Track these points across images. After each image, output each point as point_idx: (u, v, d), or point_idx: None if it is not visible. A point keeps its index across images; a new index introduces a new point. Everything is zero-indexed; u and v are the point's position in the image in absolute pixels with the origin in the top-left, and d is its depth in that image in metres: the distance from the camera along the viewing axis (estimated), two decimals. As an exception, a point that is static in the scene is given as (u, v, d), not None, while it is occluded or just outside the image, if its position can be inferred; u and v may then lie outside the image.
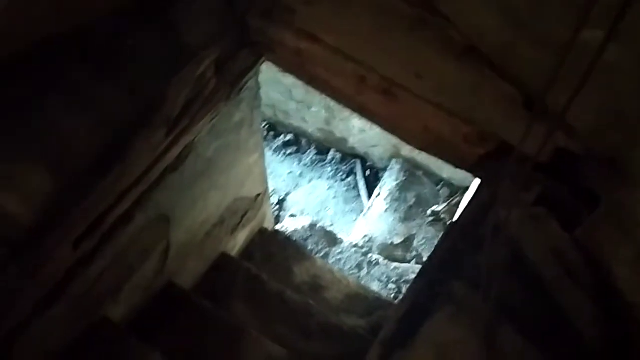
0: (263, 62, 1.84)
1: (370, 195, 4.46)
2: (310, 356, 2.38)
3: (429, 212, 4.20)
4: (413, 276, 3.67)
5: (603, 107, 1.26)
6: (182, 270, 2.41)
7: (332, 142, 4.71)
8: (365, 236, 4.01)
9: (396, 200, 4.20)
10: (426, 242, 4.07)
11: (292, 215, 4.29)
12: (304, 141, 4.82)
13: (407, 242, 4.09)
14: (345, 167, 4.69)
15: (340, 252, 3.78)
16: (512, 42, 1.29)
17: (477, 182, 3.30)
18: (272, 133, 4.82)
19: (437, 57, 1.40)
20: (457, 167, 1.67)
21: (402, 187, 4.25)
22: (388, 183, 4.30)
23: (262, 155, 2.65)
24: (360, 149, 4.63)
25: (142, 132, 1.40)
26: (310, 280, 3.08)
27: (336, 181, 4.63)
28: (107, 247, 1.59)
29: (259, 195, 2.89)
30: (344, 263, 3.74)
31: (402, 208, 4.19)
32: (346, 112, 4.28)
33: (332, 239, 3.85)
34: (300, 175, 4.66)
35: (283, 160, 4.73)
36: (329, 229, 4.01)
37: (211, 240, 2.55)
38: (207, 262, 2.71)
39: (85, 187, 1.34)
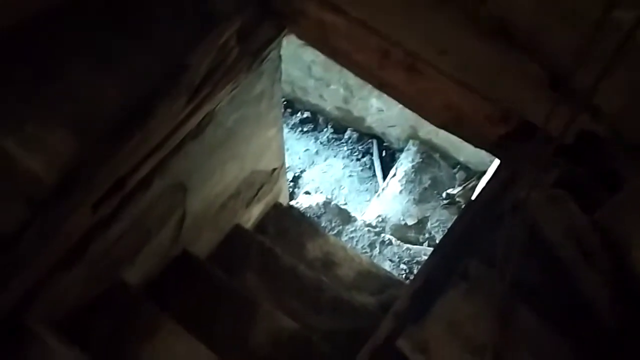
0: (286, 33, 1.83)
1: (385, 175, 4.45)
2: (321, 330, 2.40)
3: (443, 194, 4.19)
4: (425, 258, 3.68)
5: (631, 89, 1.24)
6: (196, 239, 2.44)
7: (350, 121, 4.69)
8: (379, 216, 4.01)
9: (411, 181, 4.19)
10: (440, 224, 4.06)
11: (306, 192, 4.30)
12: (321, 119, 4.81)
13: (421, 224, 4.09)
14: (361, 146, 4.68)
15: (354, 231, 3.79)
16: (541, 20, 1.27)
17: (494, 165, 3.28)
18: (289, 110, 4.81)
19: (463, 33, 1.38)
20: (476, 146, 1.65)
21: (418, 169, 4.24)
22: (404, 164, 4.29)
23: (281, 130, 2.65)
24: (378, 128, 4.61)
25: (165, 98, 1.41)
26: (323, 256, 3.10)
27: (352, 160, 4.62)
28: (126, 212, 1.61)
29: (275, 169, 2.90)
30: (357, 242, 3.75)
31: (417, 190, 4.18)
32: (365, 91, 4.26)
33: (345, 217, 3.86)
34: (316, 153, 4.66)
35: (299, 138, 4.73)
36: (342, 207, 4.01)
37: (226, 212, 2.57)
38: (222, 233, 2.74)
39: (107, 151, 1.36)
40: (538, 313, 1.20)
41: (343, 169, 4.56)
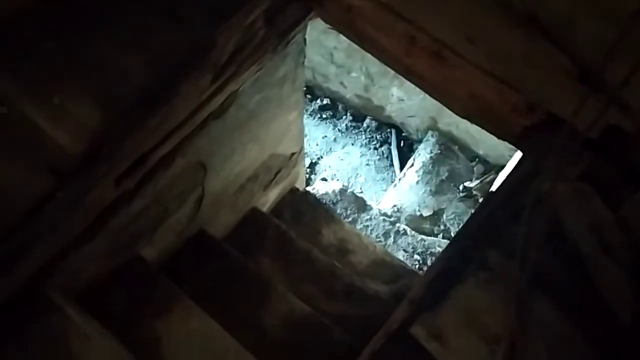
0: (312, 16, 1.82)
1: (402, 166, 4.43)
2: (333, 315, 2.41)
3: (460, 187, 4.17)
4: (439, 250, 3.67)
5: (663, 84, 1.22)
6: (213, 220, 2.46)
7: (369, 109, 4.67)
8: (395, 206, 4.00)
9: (429, 172, 4.17)
10: (455, 217, 4.04)
11: (323, 179, 4.30)
12: (340, 106, 4.79)
13: (436, 215, 4.08)
14: (379, 135, 4.66)
15: (369, 219, 3.79)
16: (574, 11, 1.25)
17: (514, 159, 3.25)
18: (309, 96, 4.80)
19: (493, 22, 1.36)
20: (500, 137, 1.64)
21: (436, 160, 4.21)
22: (422, 155, 4.26)
23: (301, 114, 2.65)
24: (397, 118, 4.59)
25: (191, 75, 1.41)
26: (338, 243, 3.10)
27: (369, 149, 4.60)
28: (147, 188, 1.63)
29: (293, 154, 2.90)
30: (372, 230, 3.75)
31: (434, 181, 4.16)
32: (386, 80, 4.23)
33: (361, 205, 3.86)
34: (334, 140, 4.65)
35: (318, 124, 4.72)
36: (359, 195, 4.01)
37: (244, 194, 2.59)
38: (239, 214, 2.75)
39: (132, 126, 1.37)
40: (556, 306, 1.20)
41: (360, 157, 4.55)
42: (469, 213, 3.94)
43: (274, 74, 2.00)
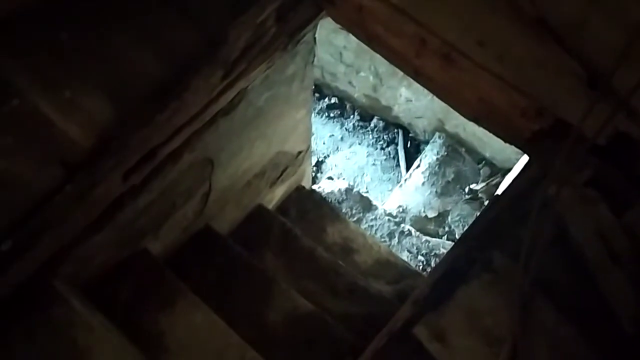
0: (323, 16, 1.83)
1: (409, 166, 4.44)
2: (336, 313, 2.42)
3: (466, 189, 4.17)
4: (443, 251, 3.68)
5: (672, 93, 1.22)
6: (219, 215, 2.47)
7: (377, 109, 4.67)
8: (400, 206, 4.01)
9: (435, 174, 4.18)
10: (460, 219, 4.05)
11: (329, 178, 4.31)
12: (348, 105, 4.80)
13: (441, 217, 4.08)
14: (386, 136, 4.66)
15: (374, 219, 3.79)
16: (585, 16, 1.25)
17: (521, 163, 3.25)
18: (317, 94, 4.81)
19: (503, 25, 1.36)
20: (507, 141, 1.64)
21: (442, 162, 4.22)
22: (429, 156, 4.27)
23: (309, 113, 2.66)
24: (405, 119, 4.59)
25: (202, 71, 1.42)
26: (342, 241, 3.11)
27: (376, 149, 4.61)
28: (155, 182, 1.64)
29: (300, 152, 2.91)
30: (376, 230, 3.76)
31: (440, 183, 4.16)
32: (394, 80, 4.23)
33: (366, 205, 3.86)
34: (341, 139, 4.66)
35: (325, 123, 4.73)
36: (364, 194, 4.02)
37: (250, 191, 2.60)
38: (244, 211, 2.77)
39: (142, 120, 1.38)
40: (559, 310, 1.20)
41: (367, 156, 4.56)
42: (474, 215, 3.94)
43: (283, 71, 2.01)
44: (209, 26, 1.47)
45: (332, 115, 4.76)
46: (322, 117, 4.74)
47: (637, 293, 1.17)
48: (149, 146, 1.49)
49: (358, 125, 4.72)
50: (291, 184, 3.18)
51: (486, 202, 4.04)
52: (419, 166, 4.26)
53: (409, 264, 3.29)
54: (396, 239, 3.75)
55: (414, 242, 3.74)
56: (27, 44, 1.41)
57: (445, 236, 4.00)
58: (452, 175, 4.20)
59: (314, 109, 4.71)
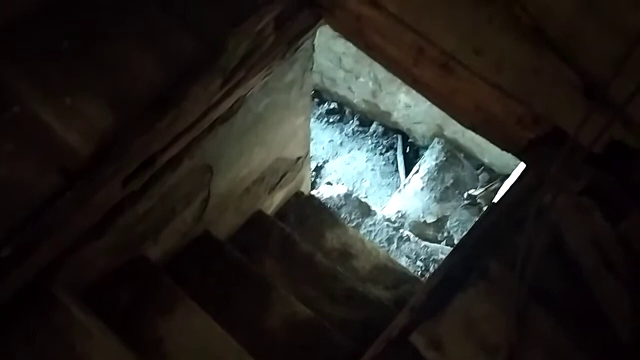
0: (321, 24, 1.84)
1: (408, 172, 4.45)
2: (334, 319, 2.43)
3: (465, 195, 4.18)
4: (442, 256, 3.68)
5: (667, 102, 1.24)
6: (218, 221, 2.48)
7: (376, 114, 4.69)
8: (399, 211, 4.02)
9: (434, 179, 4.19)
10: (459, 224, 4.05)
11: (328, 183, 4.32)
12: (347, 111, 4.81)
13: (440, 222, 4.08)
14: (386, 141, 4.67)
15: (373, 224, 3.80)
16: (581, 26, 1.27)
17: (519, 168, 3.26)
18: (316, 100, 4.82)
19: (500, 35, 1.38)
20: (504, 149, 1.65)
21: (441, 167, 4.23)
22: (427, 161, 4.28)
23: (308, 119, 2.67)
24: (404, 124, 4.60)
25: (201, 78, 1.43)
26: (341, 247, 3.12)
27: (375, 154, 4.62)
28: (154, 189, 1.65)
29: (299, 158, 2.92)
30: (375, 235, 3.76)
31: (439, 188, 4.17)
32: (393, 86, 4.25)
33: (365, 210, 3.87)
34: (341, 144, 4.67)
35: (325, 128, 4.74)
36: (363, 200, 4.03)
37: (250, 196, 2.61)
38: (243, 217, 2.78)
39: (142, 127, 1.39)
40: (555, 318, 1.21)
41: (366, 162, 4.57)
42: (473, 221, 3.95)
43: (281, 79, 2.02)
44: (209, 34, 1.48)
45: (331, 120, 4.77)
46: (321, 122, 4.76)
47: (633, 301, 1.17)
48: (149, 153, 1.50)
49: (357, 131, 4.73)
50: (290, 190, 3.19)
51: (485, 208, 4.05)
52: (417, 171, 4.27)
53: (408, 270, 3.29)
54: (395, 244, 3.76)
55: (413, 248, 3.75)
56: (27, 50, 1.41)
57: (444, 241, 4.01)
58: (451, 181, 4.21)
59: (314, 114, 4.73)
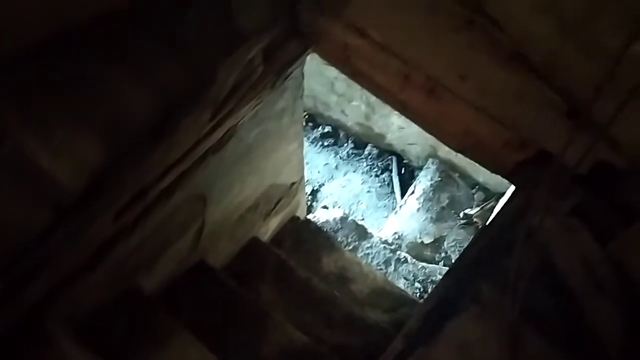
0: (309, 53, 1.87)
1: (403, 193, 4.46)
2: (332, 344, 2.41)
3: (461, 214, 4.18)
4: (440, 277, 3.67)
5: (649, 122, 1.25)
6: (213, 249, 2.48)
7: (370, 137, 4.72)
8: (396, 233, 4.02)
9: (429, 200, 4.20)
10: (456, 244, 4.05)
11: (324, 207, 4.32)
12: (341, 134, 4.84)
13: (437, 242, 4.08)
14: (380, 163, 4.70)
15: (370, 247, 3.80)
16: (561, 50, 1.29)
17: (512, 188, 3.27)
18: (310, 124, 4.86)
19: (483, 60, 1.40)
20: (493, 171, 1.67)
21: (437, 188, 4.24)
22: (423, 182, 4.29)
23: (301, 145, 2.69)
24: (398, 146, 4.63)
25: (191, 111, 1.45)
26: (338, 271, 3.11)
27: (371, 176, 4.64)
28: (147, 221, 1.65)
29: (294, 183, 2.93)
30: (372, 258, 3.76)
31: (435, 208, 4.18)
32: (386, 109, 4.28)
33: (362, 233, 3.87)
34: (336, 167, 4.69)
35: (320, 152, 4.77)
36: (360, 223, 4.03)
37: (244, 224, 2.61)
38: (239, 244, 2.77)
39: (133, 160, 1.40)
40: (547, 340, 1.21)
41: (362, 184, 4.58)
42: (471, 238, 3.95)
43: (272, 107, 2.04)
44: (199, 65, 1.49)
45: (326, 143, 4.80)
46: (316, 146, 4.78)
47: (623, 321, 1.17)
48: (141, 185, 1.50)
49: (352, 153, 4.75)
50: (286, 215, 3.19)
51: (481, 227, 4.05)
52: (413, 192, 4.28)
53: (406, 292, 3.28)
54: (392, 266, 3.75)
55: (410, 269, 3.74)
56: (18, 84, 1.42)
57: (442, 262, 4.00)
58: (447, 201, 4.22)
59: (308, 138, 4.76)
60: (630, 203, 1.30)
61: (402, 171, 4.66)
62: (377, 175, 4.64)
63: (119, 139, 1.38)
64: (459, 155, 4.22)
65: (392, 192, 4.56)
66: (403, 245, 3.97)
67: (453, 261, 3.94)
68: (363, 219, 4.37)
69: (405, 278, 3.69)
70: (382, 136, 4.61)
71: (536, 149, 1.44)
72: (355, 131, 4.76)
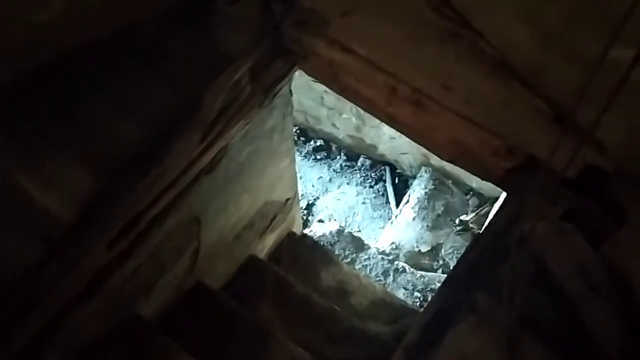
0: (296, 70, 1.88)
1: (398, 202, 4.47)
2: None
3: (457, 221, 4.19)
4: (439, 285, 3.67)
5: (634, 125, 1.27)
6: (211, 270, 2.47)
7: (362, 148, 4.73)
8: (393, 243, 4.02)
9: (424, 208, 4.21)
10: (453, 251, 4.06)
11: (320, 221, 4.32)
12: (334, 147, 4.86)
13: (434, 250, 4.09)
14: (374, 173, 4.71)
15: (367, 259, 3.80)
16: (543, 57, 1.31)
17: (505, 194, 3.29)
18: (302, 138, 4.87)
19: (468, 70, 1.42)
20: (484, 179, 1.68)
21: (431, 196, 4.25)
22: (417, 191, 4.31)
23: (293, 161, 2.70)
24: (390, 156, 4.65)
25: (180, 136, 1.45)
26: (337, 285, 3.11)
27: (365, 187, 4.65)
28: (141, 248, 1.65)
29: (288, 199, 2.93)
30: (370, 269, 3.76)
31: (430, 216, 4.19)
32: (376, 120, 4.28)
33: (359, 245, 3.87)
34: (330, 180, 4.70)
35: (313, 165, 4.78)
36: (356, 234, 4.03)
37: (240, 243, 2.61)
38: (236, 263, 2.77)
39: (125, 188, 1.40)
40: (545, 346, 1.21)
41: (356, 196, 4.59)
42: (466, 247, 3.95)
43: (262, 126, 2.05)
44: (186, 90, 1.50)
45: (318, 157, 4.81)
46: (309, 160, 4.79)
47: (620, 324, 1.18)
48: (133, 213, 1.50)
49: (345, 166, 4.77)
50: (282, 231, 3.19)
51: (477, 232, 4.06)
52: (408, 201, 4.29)
53: (406, 302, 3.28)
54: (391, 276, 3.75)
55: (409, 279, 3.74)
56: (6, 117, 1.42)
57: (440, 269, 4.00)
58: (442, 208, 4.24)
59: (301, 153, 4.77)
60: (620, 205, 1.31)
61: (396, 181, 4.68)
62: (371, 186, 4.65)
63: (109, 168, 1.38)
64: (451, 163, 4.19)
65: (387, 202, 4.56)
66: (400, 255, 3.97)
67: (448, 272, 3.94)
68: (359, 231, 4.38)
69: (404, 288, 3.69)
70: (374, 147, 4.63)
71: (524, 156, 1.45)
72: (347, 143, 4.77)
